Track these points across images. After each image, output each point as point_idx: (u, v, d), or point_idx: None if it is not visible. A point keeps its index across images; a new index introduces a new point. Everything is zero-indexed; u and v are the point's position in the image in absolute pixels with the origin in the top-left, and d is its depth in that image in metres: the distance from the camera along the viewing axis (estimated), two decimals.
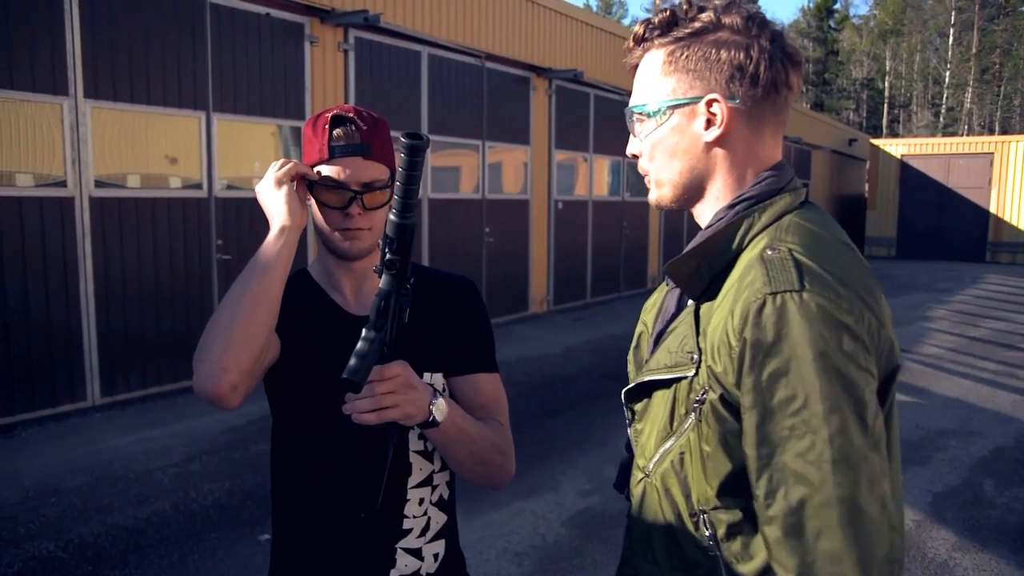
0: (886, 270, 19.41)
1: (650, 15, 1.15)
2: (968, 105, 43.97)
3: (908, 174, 23.79)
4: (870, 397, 0.92)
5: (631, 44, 1.15)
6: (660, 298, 1.26)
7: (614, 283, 13.09)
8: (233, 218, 6.93)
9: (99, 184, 5.94)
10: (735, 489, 1.00)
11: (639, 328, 1.28)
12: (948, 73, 45.77)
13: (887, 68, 49.89)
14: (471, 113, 9.67)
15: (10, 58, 5.39)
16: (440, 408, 1.24)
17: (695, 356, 1.03)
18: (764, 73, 1.06)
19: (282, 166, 1.31)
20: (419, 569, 1.40)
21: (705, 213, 1.14)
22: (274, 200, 1.28)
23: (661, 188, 1.17)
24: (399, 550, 1.38)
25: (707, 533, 1.04)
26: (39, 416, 5.68)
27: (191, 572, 3.58)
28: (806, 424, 0.90)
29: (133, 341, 6.23)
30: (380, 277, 1.16)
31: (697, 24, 1.08)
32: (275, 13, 7.14)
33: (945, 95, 45.85)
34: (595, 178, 12.62)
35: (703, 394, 1.01)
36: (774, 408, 0.92)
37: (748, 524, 1.00)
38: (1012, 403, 6.88)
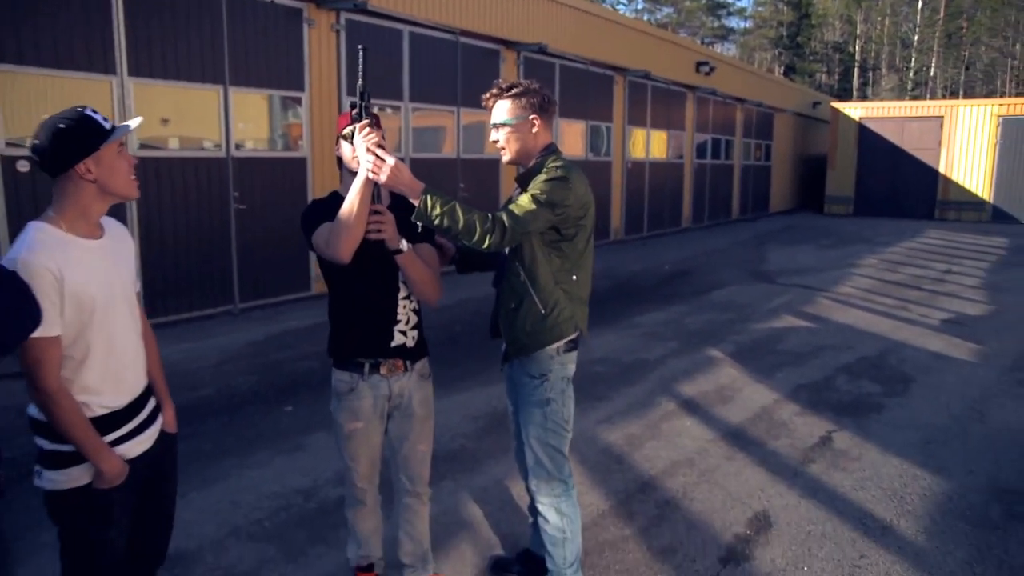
0: (837, 227, 20.87)
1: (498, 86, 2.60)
2: (933, 70, 45.19)
3: (866, 136, 25.02)
4: (560, 209, 2.47)
5: (490, 98, 2.59)
6: (512, 196, 2.67)
7: None
8: (247, 174, 8.24)
9: (143, 146, 7.22)
10: (537, 251, 2.57)
11: (506, 200, 2.70)
12: (916, 37, 46.92)
13: (858, 32, 50.91)
14: (447, 83, 10.93)
15: (70, 42, 6.63)
16: (405, 243, 2.59)
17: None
18: (548, 106, 2.47)
19: (366, 140, 2.52)
20: (404, 343, 2.77)
21: (527, 162, 2.55)
22: (362, 159, 2.48)
23: (513, 154, 2.58)
24: (395, 331, 2.75)
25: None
26: None
27: (238, 428, 4.97)
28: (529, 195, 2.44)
29: (169, 274, 7.56)
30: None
31: (519, 89, 2.53)
32: (279, 0, 8.37)
33: (913, 59, 47.03)
34: (561, 140, 13.92)
35: None
36: (531, 192, 2.44)
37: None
38: (891, 327, 8.34)
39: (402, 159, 10.06)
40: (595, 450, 4.67)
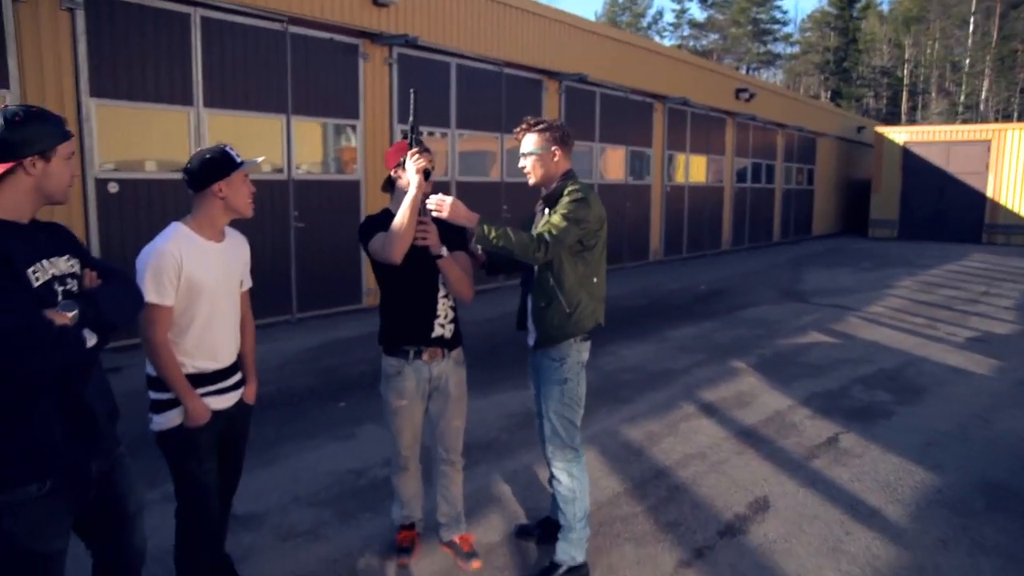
0: (880, 250, 20.90)
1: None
2: (985, 94, 44.58)
3: (910, 160, 25.00)
4: (584, 224, 3.00)
5: (520, 131, 3.16)
6: (536, 212, 3.22)
7: (617, 256, 14.95)
8: (306, 196, 8.96)
9: None
10: (565, 262, 3.12)
11: (528, 221, 3.26)
12: (967, 61, 46.39)
13: (907, 56, 50.52)
14: (492, 110, 11.58)
15: (156, 78, 7.44)
16: (444, 250, 3.15)
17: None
18: (567, 139, 3.05)
19: (415, 164, 3.12)
20: (443, 334, 3.32)
21: (549, 184, 3.11)
22: (412, 180, 3.10)
23: (537, 178, 3.14)
24: (435, 324, 3.30)
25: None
26: None
27: (296, 419, 5.57)
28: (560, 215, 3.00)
29: None
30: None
31: (544, 125, 3.10)
32: (337, 37, 9.13)
33: (964, 82, 46.47)
34: (601, 164, 14.46)
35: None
36: (559, 212, 3.01)
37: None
38: (916, 344, 8.61)
39: (448, 182, 10.73)
40: (616, 444, 5.14)
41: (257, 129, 8.47)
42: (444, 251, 3.17)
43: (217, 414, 2.80)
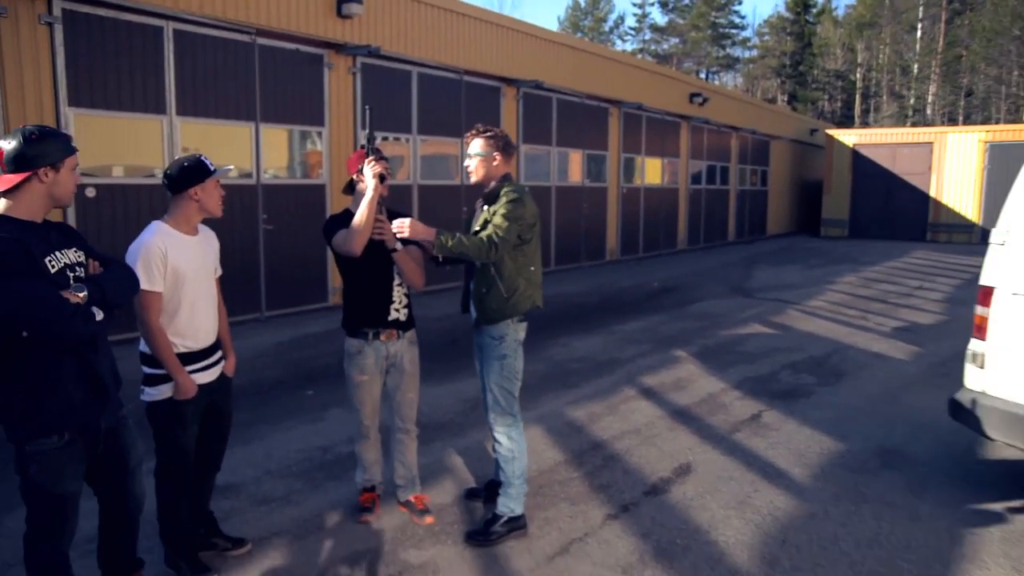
0: (829, 248, 21.76)
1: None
2: (931, 97, 46.13)
3: (859, 162, 25.93)
4: (520, 220, 3.55)
5: (470, 136, 3.69)
6: (476, 208, 3.75)
7: (574, 255, 15.55)
8: (274, 199, 9.38)
9: None
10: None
11: (468, 219, 3.78)
12: (916, 66, 47.95)
13: (859, 60, 52.01)
14: (452, 116, 12.08)
15: (130, 88, 7.82)
16: (399, 244, 3.66)
17: (488, 218, 3.54)
18: (508, 147, 3.59)
19: (372, 169, 3.65)
20: (398, 317, 3.81)
21: (490, 184, 3.65)
22: (370, 184, 3.61)
23: (478, 177, 3.66)
24: (391, 308, 3.79)
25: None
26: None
27: (269, 406, 6.01)
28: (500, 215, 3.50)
29: None
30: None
31: (490, 133, 3.65)
32: (303, 48, 9.57)
33: (912, 86, 48.03)
34: (559, 167, 15.03)
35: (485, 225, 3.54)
36: (499, 214, 3.52)
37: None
38: (846, 333, 9.28)
39: (410, 185, 11.19)
40: (560, 423, 5.67)
41: (227, 136, 8.88)
42: (399, 245, 3.68)
43: (202, 387, 3.26)
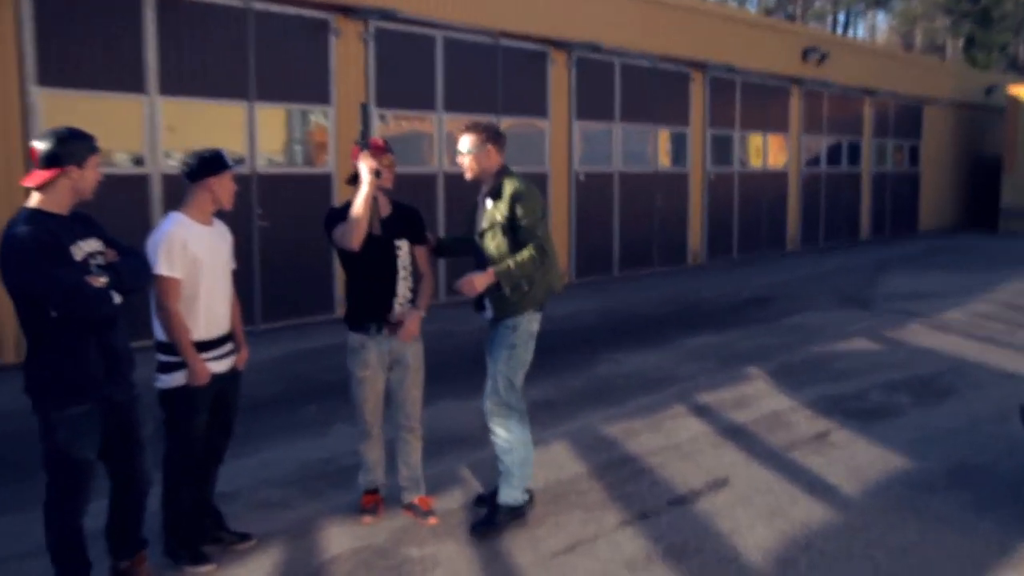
0: (1001, 248, 21.99)
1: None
2: None
3: None
4: (541, 210, 4.93)
5: (458, 132, 5.03)
6: (479, 202, 5.00)
7: (645, 260, 16.71)
8: (270, 190, 10.80)
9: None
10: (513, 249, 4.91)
11: (470, 214, 5.05)
12: None
13: None
14: (486, 89, 13.38)
15: (108, 64, 9.32)
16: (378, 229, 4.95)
17: (496, 216, 4.84)
18: (499, 138, 4.98)
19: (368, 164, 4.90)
20: (399, 310, 5.05)
21: (488, 179, 4.94)
22: (365, 178, 4.85)
23: (473, 173, 4.96)
24: (394, 303, 5.02)
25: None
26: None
27: (264, 422, 7.29)
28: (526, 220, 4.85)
29: None
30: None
31: (479, 127, 5.02)
32: (305, 12, 11.02)
33: None
34: (623, 148, 16.22)
35: (500, 224, 4.85)
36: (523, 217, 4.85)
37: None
38: (976, 350, 10.09)
39: (435, 173, 12.50)
40: (590, 437, 6.81)
41: (216, 117, 10.34)
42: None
43: (213, 377, 4.52)
